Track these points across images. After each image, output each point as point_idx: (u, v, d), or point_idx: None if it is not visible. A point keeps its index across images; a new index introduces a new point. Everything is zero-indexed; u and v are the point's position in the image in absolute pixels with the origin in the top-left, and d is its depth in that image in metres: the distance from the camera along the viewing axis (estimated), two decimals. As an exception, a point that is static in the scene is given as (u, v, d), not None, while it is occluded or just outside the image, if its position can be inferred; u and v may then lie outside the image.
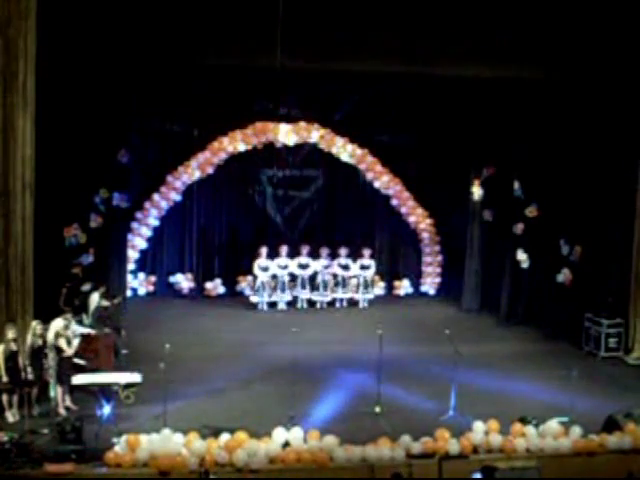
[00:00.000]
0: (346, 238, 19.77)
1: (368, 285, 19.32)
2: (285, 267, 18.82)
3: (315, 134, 19.45)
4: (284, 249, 18.93)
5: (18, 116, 12.68)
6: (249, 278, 19.23)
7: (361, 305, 19.31)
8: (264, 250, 18.70)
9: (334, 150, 19.69)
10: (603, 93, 16.02)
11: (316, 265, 19.03)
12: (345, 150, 19.73)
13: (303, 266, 18.96)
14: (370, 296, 19.39)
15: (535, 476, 11.02)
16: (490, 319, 18.60)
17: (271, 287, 18.70)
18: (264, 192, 19.81)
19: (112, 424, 11.57)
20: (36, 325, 12.39)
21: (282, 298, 18.83)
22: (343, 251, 19.27)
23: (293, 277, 18.98)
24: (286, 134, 19.19)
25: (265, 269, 18.64)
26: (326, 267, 19.06)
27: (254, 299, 18.73)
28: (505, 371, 15.07)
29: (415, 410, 12.97)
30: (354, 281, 19.26)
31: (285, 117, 18.96)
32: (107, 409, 11.74)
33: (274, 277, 18.73)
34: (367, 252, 19.41)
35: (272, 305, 18.80)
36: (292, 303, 19.02)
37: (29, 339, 12.27)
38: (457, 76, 16.59)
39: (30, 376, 12.19)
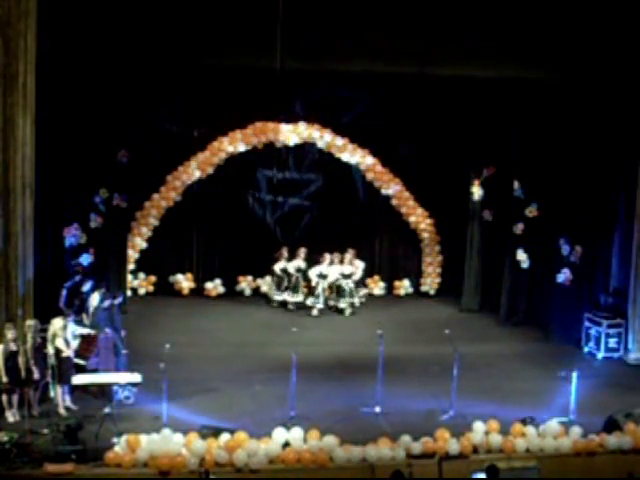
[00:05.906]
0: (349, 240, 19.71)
1: (353, 292, 18.87)
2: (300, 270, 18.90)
3: (316, 134, 19.44)
4: (284, 251, 18.99)
5: (18, 116, 12.67)
6: (267, 278, 19.36)
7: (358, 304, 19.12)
8: (285, 250, 18.88)
9: (334, 150, 19.68)
10: (603, 93, 16.03)
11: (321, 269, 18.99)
12: (345, 150, 19.73)
13: (324, 275, 18.81)
14: (356, 300, 18.95)
15: (535, 476, 11.04)
16: (490, 319, 18.57)
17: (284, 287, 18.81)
18: (261, 198, 19.78)
19: (112, 424, 11.58)
20: (35, 324, 12.39)
21: (294, 298, 18.79)
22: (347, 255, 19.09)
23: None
24: (286, 134, 19.20)
25: (284, 270, 18.78)
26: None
27: (276, 297, 18.83)
28: (505, 371, 15.09)
29: (415, 410, 12.95)
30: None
31: (285, 117, 18.94)
32: (113, 406, 11.79)
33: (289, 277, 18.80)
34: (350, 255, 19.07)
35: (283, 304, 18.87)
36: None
37: (30, 339, 12.26)
38: (457, 76, 16.59)
39: (36, 376, 12.19)
